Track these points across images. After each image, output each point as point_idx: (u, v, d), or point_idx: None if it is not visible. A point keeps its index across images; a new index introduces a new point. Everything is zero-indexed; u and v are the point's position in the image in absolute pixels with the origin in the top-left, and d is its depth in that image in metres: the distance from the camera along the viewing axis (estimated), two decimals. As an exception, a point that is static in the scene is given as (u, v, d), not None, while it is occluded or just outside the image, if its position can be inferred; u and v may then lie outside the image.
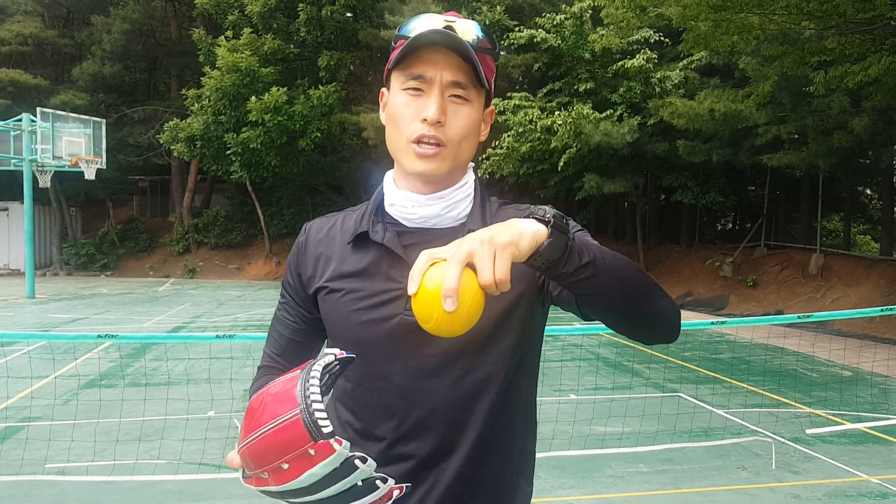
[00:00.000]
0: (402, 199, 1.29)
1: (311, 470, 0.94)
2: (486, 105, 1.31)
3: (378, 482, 0.99)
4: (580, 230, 1.25)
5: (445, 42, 1.20)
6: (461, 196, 1.30)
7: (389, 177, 1.36)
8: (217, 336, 4.40)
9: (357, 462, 0.96)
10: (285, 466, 0.95)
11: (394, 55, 1.25)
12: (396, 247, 1.26)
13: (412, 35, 1.22)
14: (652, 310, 1.16)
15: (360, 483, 0.97)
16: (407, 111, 1.24)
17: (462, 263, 0.94)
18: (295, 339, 1.37)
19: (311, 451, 0.94)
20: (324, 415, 0.96)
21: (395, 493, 1.01)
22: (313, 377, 1.00)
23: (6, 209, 26.69)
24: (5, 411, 6.52)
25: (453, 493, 1.24)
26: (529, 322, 1.28)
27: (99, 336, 4.28)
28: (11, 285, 21.28)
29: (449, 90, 1.23)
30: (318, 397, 0.97)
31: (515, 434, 1.30)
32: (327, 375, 1.05)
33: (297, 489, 0.97)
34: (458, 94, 1.23)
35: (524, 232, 0.99)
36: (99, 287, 21.80)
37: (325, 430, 0.94)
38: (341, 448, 0.94)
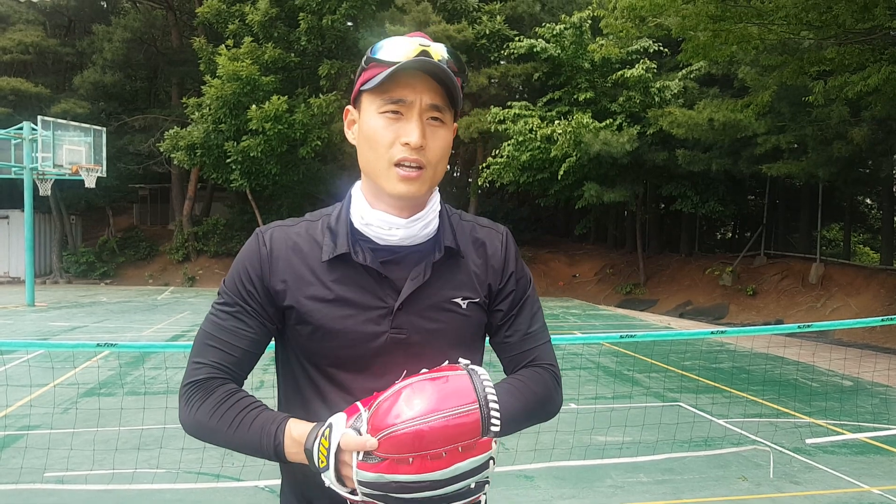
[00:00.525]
0: (378, 220, 1.30)
1: (461, 462, 1.02)
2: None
3: (486, 485, 1.08)
4: (529, 294, 1.43)
5: (425, 68, 1.23)
6: (433, 215, 1.35)
7: (359, 193, 1.36)
8: (217, 345, 4.39)
9: (490, 462, 1.06)
10: (444, 454, 1.01)
11: (366, 77, 1.27)
12: (379, 267, 1.30)
13: (386, 59, 1.24)
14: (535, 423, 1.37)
15: (473, 485, 1.06)
16: (386, 135, 1.26)
17: None
18: (251, 351, 1.33)
19: (474, 445, 1.03)
20: (497, 413, 1.05)
21: (482, 498, 1.10)
22: (484, 377, 1.09)
23: (6, 217, 26.69)
24: (4, 420, 6.50)
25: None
26: (483, 342, 1.44)
27: (98, 345, 4.28)
28: (11, 293, 21.26)
29: (427, 113, 1.26)
30: (494, 396, 1.06)
31: None
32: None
33: (430, 480, 1.02)
34: (436, 116, 1.27)
35: None
36: (98, 295, 21.79)
37: (494, 429, 1.04)
38: (495, 447, 1.05)
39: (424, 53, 1.24)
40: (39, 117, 18.05)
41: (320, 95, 23.21)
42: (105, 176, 19.74)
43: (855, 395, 8.11)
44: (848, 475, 5.18)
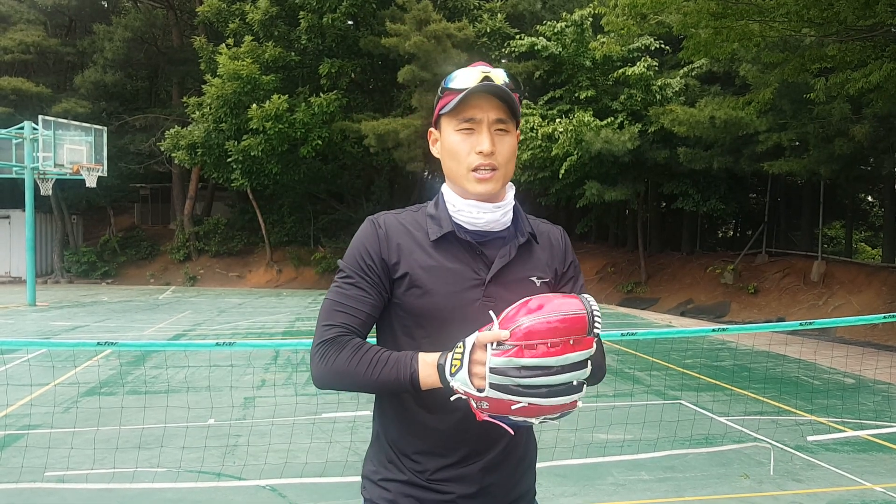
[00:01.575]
0: (469, 207, 1.62)
1: (571, 353, 1.31)
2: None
3: (584, 386, 1.35)
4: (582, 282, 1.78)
5: (489, 90, 1.55)
6: (510, 206, 1.67)
7: (449, 190, 1.67)
8: (217, 344, 4.38)
9: (589, 362, 1.35)
10: (560, 344, 1.30)
11: (443, 103, 1.61)
12: (477, 244, 1.60)
13: (457, 87, 1.57)
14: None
15: (575, 382, 1.32)
16: (463, 147, 1.59)
17: None
18: (372, 315, 1.59)
19: (581, 340, 1.32)
20: (599, 318, 1.36)
21: (579, 404, 1.36)
22: (588, 296, 1.41)
23: (8, 217, 26.72)
24: (5, 419, 6.50)
25: (504, 456, 1.62)
26: None
27: (99, 344, 4.26)
28: (13, 293, 21.28)
29: (494, 126, 1.58)
30: (597, 307, 1.37)
31: None
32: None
33: (548, 366, 1.29)
34: (501, 127, 1.59)
35: None
36: (100, 295, 21.81)
37: (596, 330, 1.35)
38: (594, 347, 1.35)
39: (487, 79, 1.55)
40: (40, 117, 18.06)
41: (321, 94, 23.17)
42: (106, 175, 19.74)
43: (857, 393, 8.10)
44: (850, 472, 5.17)
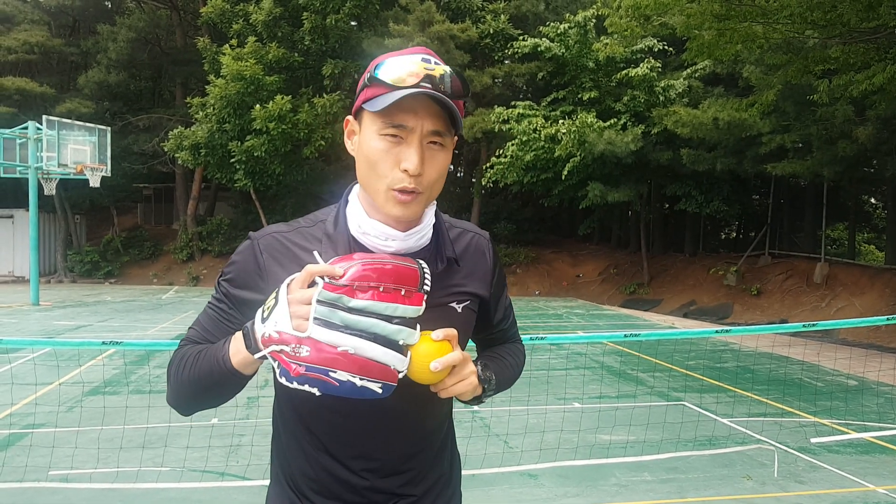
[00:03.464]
0: (375, 231, 1.32)
1: (400, 304, 1.19)
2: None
3: (407, 354, 1.23)
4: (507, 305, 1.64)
5: (429, 94, 1.23)
6: (429, 227, 1.38)
7: (356, 200, 1.38)
8: (221, 343, 4.39)
9: (418, 327, 1.24)
10: (391, 291, 1.19)
11: (368, 94, 1.27)
12: None
13: (389, 81, 1.23)
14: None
15: (401, 342, 1.21)
16: (387, 158, 1.26)
17: (454, 363, 1.28)
18: None
19: (412, 294, 1.21)
20: (428, 280, 1.24)
21: (399, 375, 1.21)
22: (422, 262, 1.26)
23: (11, 216, 26.76)
24: (9, 418, 6.52)
25: (425, 485, 1.47)
26: (468, 339, 1.57)
27: (103, 343, 4.28)
28: (16, 292, 21.32)
29: (427, 138, 1.26)
30: (429, 275, 1.25)
31: (451, 420, 1.58)
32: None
33: (376, 312, 1.18)
34: (436, 140, 1.27)
35: (475, 387, 1.35)
36: (103, 294, 21.83)
37: (426, 288, 1.23)
38: (423, 307, 1.22)
39: (428, 78, 1.23)
40: (44, 117, 18.11)
41: (324, 95, 23.20)
42: (109, 175, 19.77)
43: (860, 395, 8.10)
44: (853, 474, 5.17)
